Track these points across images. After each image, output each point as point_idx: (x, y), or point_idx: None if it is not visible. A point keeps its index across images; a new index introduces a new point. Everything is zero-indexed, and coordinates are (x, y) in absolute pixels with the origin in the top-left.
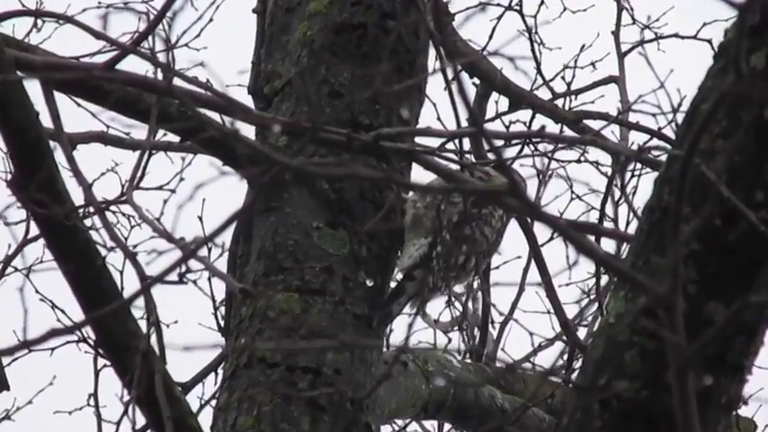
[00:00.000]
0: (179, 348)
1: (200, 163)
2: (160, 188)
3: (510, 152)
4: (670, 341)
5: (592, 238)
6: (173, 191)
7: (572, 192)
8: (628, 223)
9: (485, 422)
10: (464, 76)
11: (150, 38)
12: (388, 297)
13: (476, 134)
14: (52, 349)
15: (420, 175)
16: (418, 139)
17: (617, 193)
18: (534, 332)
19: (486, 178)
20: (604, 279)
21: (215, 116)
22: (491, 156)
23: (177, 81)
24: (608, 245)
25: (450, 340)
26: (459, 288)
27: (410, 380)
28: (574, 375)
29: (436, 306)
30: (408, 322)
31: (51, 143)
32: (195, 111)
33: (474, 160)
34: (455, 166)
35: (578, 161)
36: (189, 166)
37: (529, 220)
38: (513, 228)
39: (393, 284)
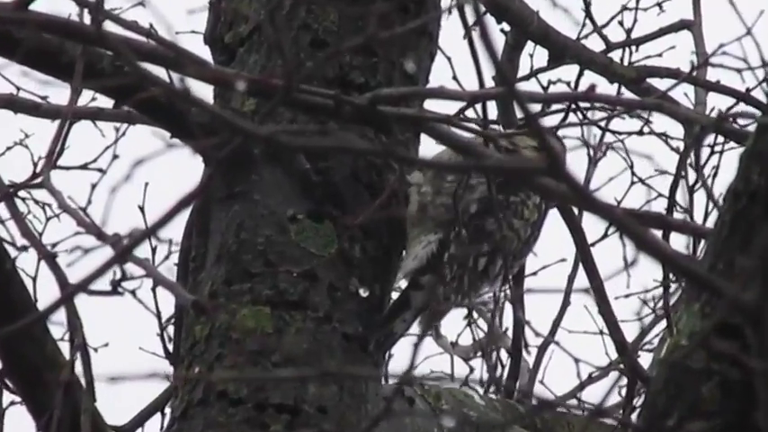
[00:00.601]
0: (111, 379)
1: (140, 134)
2: (85, 167)
3: (550, 120)
4: (759, 369)
5: (658, 233)
6: (103, 171)
7: (632, 172)
8: (707, 215)
9: None
10: (489, 19)
11: None
12: (389, 312)
13: (505, 96)
14: None
15: (430, 149)
16: (428, 103)
17: (691, 175)
18: (581, 359)
19: (517, 153)
20: (674, 287)
21: (160, 72)
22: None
23: (110, 25)
24: (679, 242)
25: (471, 370)
26: (481, 300)
27: (418, 421)
28: (634, 416)
29: (453, 324)
30: (415, 345)
31: None
32: (134, 65)
33: (502, 130)
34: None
35: (640, 133)
36: (123, 137)
37: (575, 210)
38: (554, 221)
39: (395, 295)
